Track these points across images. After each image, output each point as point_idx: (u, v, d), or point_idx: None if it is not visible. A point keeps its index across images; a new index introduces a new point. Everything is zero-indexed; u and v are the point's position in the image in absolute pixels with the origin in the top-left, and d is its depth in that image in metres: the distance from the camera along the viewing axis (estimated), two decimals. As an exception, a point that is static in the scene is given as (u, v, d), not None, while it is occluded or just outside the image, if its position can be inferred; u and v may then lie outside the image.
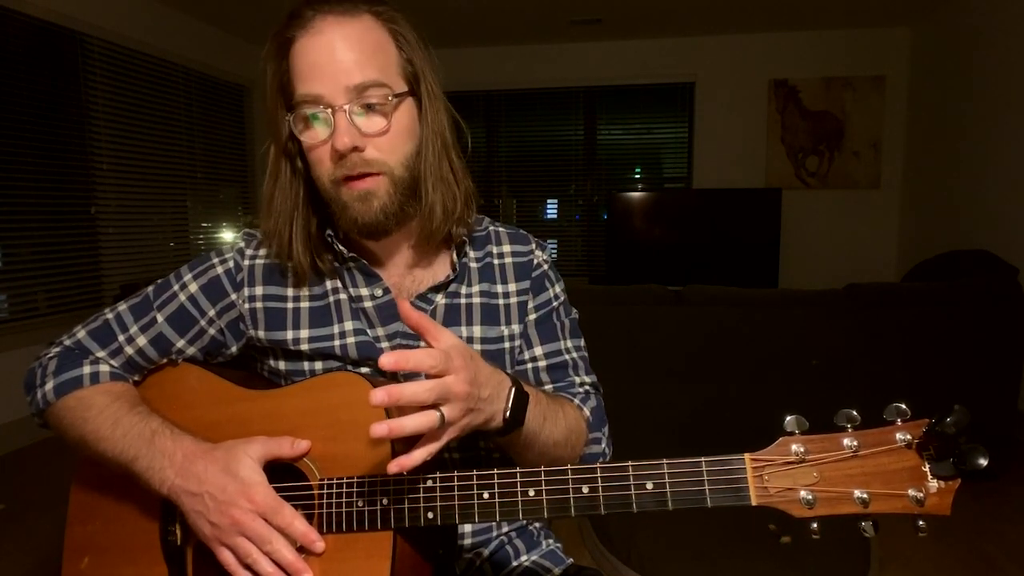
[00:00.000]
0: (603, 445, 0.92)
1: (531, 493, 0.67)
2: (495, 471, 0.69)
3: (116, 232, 3.85)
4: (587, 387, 0.95)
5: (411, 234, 0.88)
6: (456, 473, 0.70)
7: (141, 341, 0.87)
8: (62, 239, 3.50)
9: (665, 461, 0.65)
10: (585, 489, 0.66)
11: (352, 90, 0.77)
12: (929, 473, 0.60)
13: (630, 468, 0.65)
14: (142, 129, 4.01)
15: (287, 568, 0.72)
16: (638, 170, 5.44)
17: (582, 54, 5.18)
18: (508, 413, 0.71)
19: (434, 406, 0.63)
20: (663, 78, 5.16)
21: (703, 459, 0.64)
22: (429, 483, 0.71)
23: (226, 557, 0.74)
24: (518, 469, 0.69)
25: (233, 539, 0.73)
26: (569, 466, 0.67)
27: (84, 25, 3.55)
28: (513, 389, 0.72)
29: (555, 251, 5.46)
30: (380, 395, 0.59)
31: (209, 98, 4.64)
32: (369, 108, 0.78)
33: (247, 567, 0.73)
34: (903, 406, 0.61)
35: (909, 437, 0.60)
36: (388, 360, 0.60)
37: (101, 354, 0.87)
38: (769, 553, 1.84)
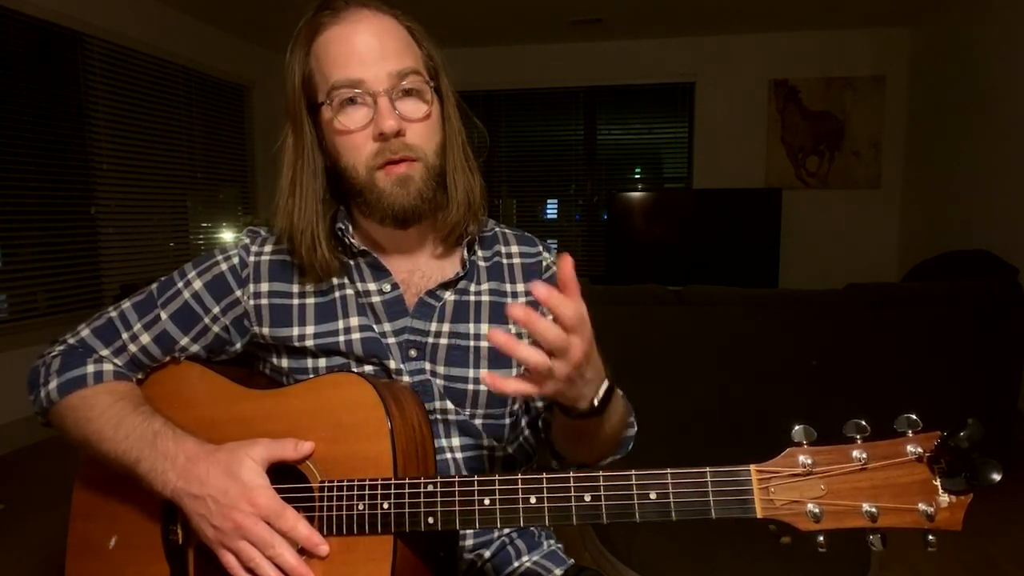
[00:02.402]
0: (635, 428, 0.93)
1: (532, 500, 0.67)
2: (496, 477, 0.69)
3: (116, 232, 3.84)
4: None
5: (433, 226, 0.89)
6: (457, 478, 0.70)
7: (145, 339, 0.87)
8: (62, 239, 3.50)
9: (669, 471, 0.63)
10: (587, 497, 0.65)
11: (394, 75, 0.79)
12: (940, 487, 0.58)
13: (633, 477, 0.64)
14: (142, 129, 4.01)
15: (290, 572, 0.72)
16: (638, 170, 5.44)
17: (582, 54, 5.17)
18: (597, 402, 0.70)
19: (550, 355, 0.61)
20: (663, 78, 5.15)
21: (708, 469, 0.62)
22: (430, 488, 0.70)
23: (229, 560, 0.74)
24: (520, 475, 0.68)
25: (236, 543, 0.72)
26: (571, 473, 0.67)
27: (84, 25, 3.54)
28: (607, 385, 0.71)
29: (555, 250, 5.45)
30: (518, 310, 0.59)
31: (209, 98, 4.64)
32: (407, 94, 0.80)
33: (250, 571, 0.73)
34: (914, 417, 0.60)
35: (920, 450, 0.58)
36: (542, 291, 0.58)
37: (105, 352, 0.86)
38: (769, 553, 1.84)
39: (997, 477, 0.54)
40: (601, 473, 0.66)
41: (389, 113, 0.78)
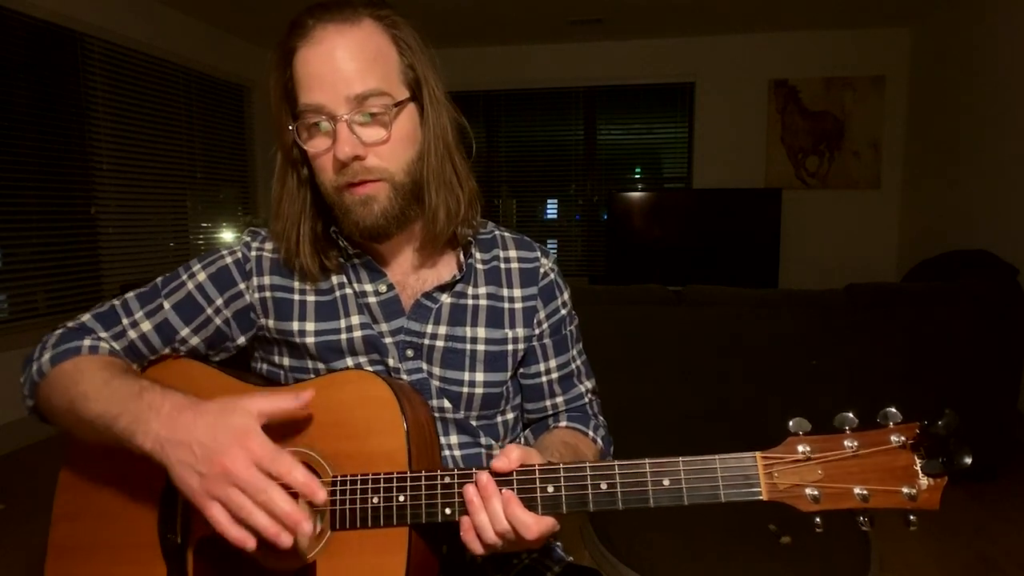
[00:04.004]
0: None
1: (550, 489, 0.69)
2: (513, 468, 0.70)
3: (116, 232, 3.85)
4: (590, 394, 0.99)
5: (414, 236, 0.89)
6: (475, 470, 0.71)
7: (145, 326, 0.87)
8: (62, 239, 3.50)
9: (681, 459, 0.68)
10: (604, 485, 0.68)
11: (353, 100, 0.77)
12: (920, 471, 0.64)
13: (647, 465, 0.68)
14: (142, 129, 4.01)
15: (284, 520, 0.66)
16: (638, 170, 5.44)
17: (582, 54, 5.18)
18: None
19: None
20: (663, 78, 5.16)
21: (717, 457, 0.67)
22: (447, 480, 0.71)
23: (215, 513, 0.67)
24: (536, 465, 0.69)
25: (224, 490, 0.67)
26: (588, 463, 0.69)
27: (84, 25, 3.55)
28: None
29: (555, 251, 5.46)
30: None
31: (209, 98, 4.64)
32: (370, 116, 0.79)
33: (240, 522, 0.67)
34: (894, 410, 0.66)
35: (903, 438, 0.64)
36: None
37: (104, 335, 0.86)
38: (769, 554, 1.84)
39: (968, 460, 0.61)
40: (616, 462, 0.69)
41: (346, 140, 0.77)
